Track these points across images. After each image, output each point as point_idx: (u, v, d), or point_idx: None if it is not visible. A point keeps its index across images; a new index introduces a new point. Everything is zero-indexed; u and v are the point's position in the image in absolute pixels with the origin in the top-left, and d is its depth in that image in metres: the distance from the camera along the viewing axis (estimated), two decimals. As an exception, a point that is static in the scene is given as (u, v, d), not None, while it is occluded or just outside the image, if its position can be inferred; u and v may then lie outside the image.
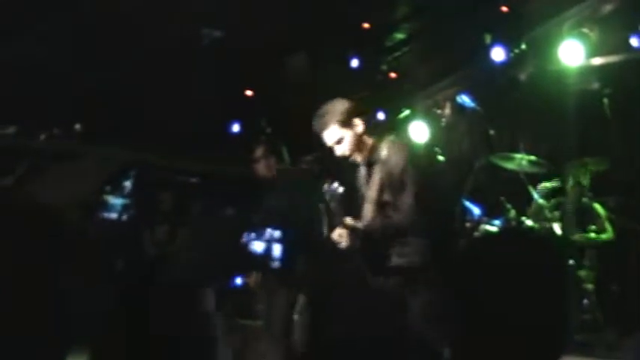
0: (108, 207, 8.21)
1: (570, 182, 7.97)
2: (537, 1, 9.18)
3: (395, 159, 5.59)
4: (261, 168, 8.19)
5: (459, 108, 9.84)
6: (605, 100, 8.17)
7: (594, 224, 7.79)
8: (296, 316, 7.48)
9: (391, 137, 5.88)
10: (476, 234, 7.85)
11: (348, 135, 5.80)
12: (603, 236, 7.71)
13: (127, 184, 8.36)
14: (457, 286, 2.38)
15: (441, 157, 8.82)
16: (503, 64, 9.41)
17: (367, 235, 5.73)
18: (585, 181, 7.87)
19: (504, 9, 9.24)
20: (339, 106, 5.86)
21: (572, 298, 7.15)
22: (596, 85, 8.49)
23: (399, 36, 10.67)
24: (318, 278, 7.06)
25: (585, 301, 7.45)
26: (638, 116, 8.36)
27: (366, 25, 10.29)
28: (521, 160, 8.20)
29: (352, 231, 5.68)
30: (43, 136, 7.81)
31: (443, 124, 10.05)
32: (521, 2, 9.24)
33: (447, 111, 10.00)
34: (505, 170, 8.44)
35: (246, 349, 8.06)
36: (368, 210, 5.73)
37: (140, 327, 2.26)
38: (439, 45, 10.33)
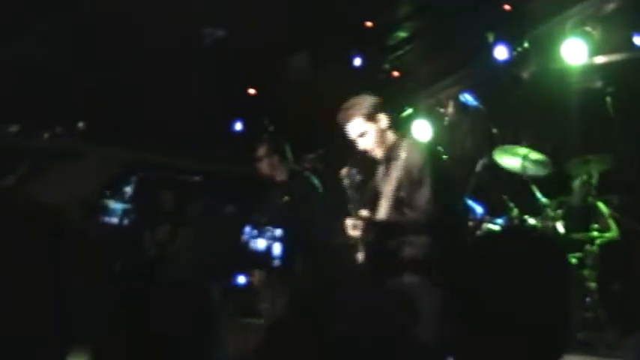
0: (108, 211, 8.21)
1: (577, 181, 7.96)
2: (540, -1, 9.19)
3: (414, 157, 5.61)
4: (264, 167, 8.19)
5: (462, 106, 9.84)
6: (608, 99, 8.15)
7: (597, 223, 7.78)
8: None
9: (412, 136, 5.91)
10: (478, 233, 7.84)
11: (371, 129, 5.84)
12: (606, 235, 7.69)
13: (127, 189, 8.36)
14: (459, 285, 2.38)
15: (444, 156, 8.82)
16: (506, 62, 9.41)
17: (381, 229, 5.73)
18: (593, 179, 7.86)
19: (507, 7, 9.24)
20: (366, 100, 5.91)
21: (574, 296, 7.13)
22: (598, 84, 8.47)
23: (402, 34, 10.67)
24: (320, 277, 7.07)
25: (587, 299, 7.44)
26: (641, 115, 8.35)
27: (368, 24, 10.28)
28: (523, 159, 8.18)
29: (366, 223, 5.67)
30: (45, 135, 7.81)
31: (445, 122, 10.05)
32: (524, 0, 9.24)
33: (450, 109, 10.00)
34: (507, 169, 8.43)
35: (249, 349, 8.06)
36: (383, 206, 5.73)
37: (141, 327, 2.26)
38: (442, 43, 10.33)
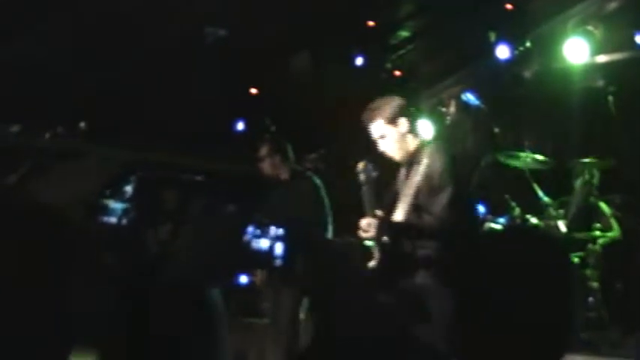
0: (110, 211, 8.21)
1: (579, 180, 7.96)
2: (542, -2, 9.20)
3: (436, 163, 5.60)
4: (266, 166, 8.19)
5: (464, 106, 9.83)
6: (610, 98, 8.16)
7: (599, 222, 7.78)
8: (302, 315, 7.49)
9: (435, 141, 5.89)
10: (481, 232, 7.84)
11: (391, 132, 5.83)
12: (609, 234, 7.70)
13: (129, 185, 8.35)
14: (463, 285, 2.38)
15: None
16: (507, 61, 9.42)
17: (397, 230, 5.73)
18: (593, 180, 7.86)
19: (509, 6, 9.24)
20: (389, 102, 5.91)
21: (577, 296, 7.14)
22: (600, 83, 8.48)
23: (404, 34, 10.67)
24: (322, 278, 7.08)
25: (590, 299, 7.44)
26: (643, 114, 8.36)
27: (370, 23, 10.28)
28: (525, 158, 8.19)
29: (382, 223, 5.66)
30: (47, 135, 7.80)
31: (447, 122, 10.04)
32: (525, 0, 9.24)
33: (452, 109, 9.98)
34: (510, 168, 8.44)
35: (251, 348, 8.07)
36: (401, 209, 5.73)
37: (142, 328, 2.26)
38: (444, 43, 10.34)
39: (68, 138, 8.28)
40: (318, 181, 8.12)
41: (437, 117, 10.06)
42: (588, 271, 7.56)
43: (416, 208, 5.64)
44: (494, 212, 8.19)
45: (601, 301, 7.45)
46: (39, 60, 9.14)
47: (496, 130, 9.03)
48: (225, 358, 2.47)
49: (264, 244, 7.59)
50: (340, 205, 8.20)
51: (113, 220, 8.30)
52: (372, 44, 10.71)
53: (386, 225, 5.66)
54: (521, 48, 9.28)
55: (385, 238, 5.67)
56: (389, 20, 10.44)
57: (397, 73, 10.93)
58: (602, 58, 8.60)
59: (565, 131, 9.04)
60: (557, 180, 8.36)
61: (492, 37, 9.49)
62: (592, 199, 7.84)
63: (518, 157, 8.28)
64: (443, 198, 5.52)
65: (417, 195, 5.60)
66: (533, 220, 8.00)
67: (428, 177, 5.58)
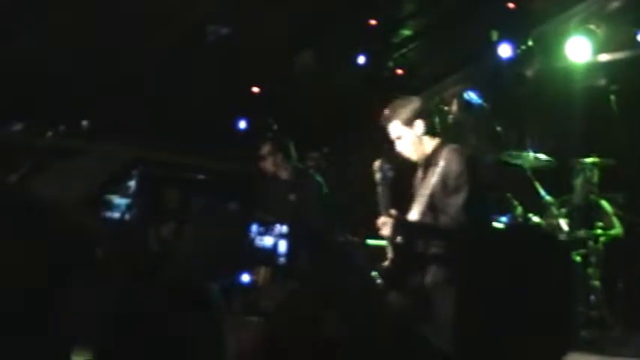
0: (112, 209, 8.21)
1: (579, 179, 7.97)
2: (544, -3, 9.20)
3: (453, 166, 5.61)
4: (268, 165, 8.19)
5: (466, 105, 9.83)
6: (612, 97, 8.16)
7: (601, 221, 7.78)
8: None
9: (453, 144, 5.89)
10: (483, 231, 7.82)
11: (407, 134, 5.84)
12: (610, 233, 7.70)
13: (131, 184, 8.36)
14: (466, 284, 2.38)
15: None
16: (510, 60, 9.41)
17: (411, 231, 5.74)
18: (594, 178, 7.87)
19: (511, 5, 9.24)
20: (407, 104, 5.92)
21: (578, 295, 7.14)
22: (602, 82, 8.48)
23: (406, 33, 10.67)
24: (325, 277, 7.08)
25: (592, 297, 7.45)
26: (645, 113, 8.35)
27: (372, 22, 10.28)
28: (527, 157, 8.20)
29: (397, 222, 5.67)
30: (49, 134, 7.82)
31: (449, 120, 10.04)
32: (528, -1, 9.26)
33: (454, 108, 9.99)
34: (512, 167, 8.43)
35: (253, 347, 8.07)
36: (416, 210, 5.74)
37: (142, 326, 2.26)
38: (446, 42, 10.34)
39: (70, 136, 8.30)
40: (320, 180, 8.12)
41: (439, 116, 10.07)
42: (590, 270, 7.57)
43: (431, 208, 5.66)
44: (496, 211, 8.18)
45: (603, 300, 7.46)
46: (41, 58, 9.15)
47: (498, 128, 9.02)
48: (224, 356, 2.48)
49: (266, 242, 7.60)
50: (343, 204, 8.21)
51: (115, 217, 8.30)
52: (374, 43, 10.70)
53: (401, 225, 5.66)
54: (524, 47, 9.28)
55: (399, 239, 5.68)
56: (391, 19, 10.44)
57: (399, 71, 10.93)
58: (604, 57, 8.60)
59: (567, 130, 9.04)
60: (559, 179, 8.36)
61: (494, 36, 9.49)
62: (593, 197, 7.85)
63: (520, 156, 8.28)
64: (458, 199, 5.53)
65: (432, 196, 5.62)
66: (536, 219, 8.00)
67: (444, 178, 5.59)
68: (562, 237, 7.68)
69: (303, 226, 7.67)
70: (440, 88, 10.33)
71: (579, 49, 8.52)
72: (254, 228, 7.75)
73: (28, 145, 7.76)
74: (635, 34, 8.41)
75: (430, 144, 5.86)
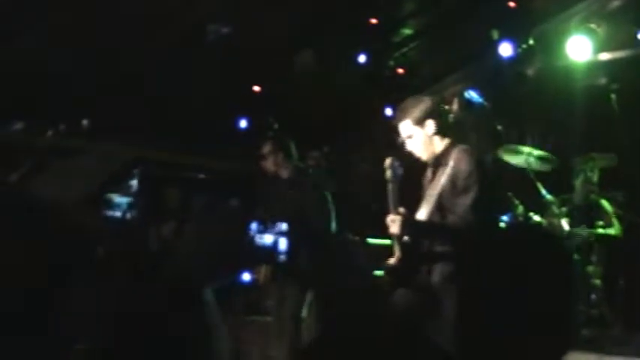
0: (113, 206, 8.21)
1: (579, 178, 7.97)
2: (545, -4, 9.20)
3: (462, 166, 5.62)
4: (269, 164, 8.20)
5: (467, 103, 9.83)
6: (613, 96, 8.16)
7: (602, 220, 7.79)
8: (304, 313, 7.50)
9: (463, 144, 5.89)
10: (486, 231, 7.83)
11: (418, 133, 5.85)
12: (611, 232, 7.71)
13: (132, 183, 8.37)
14: (467, 284, 2.39)
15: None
16: (510, 59, 9.42)
17: (419, 230, 5.75)
18: (594, 177, 7.87)
19: (512, 4, 9.24)
20: (418, 103, 5.92)
21: (579, 293, 7.15)
22: (603, 81, 8.48)
23: (407, 32, 10.68)
24: (325, 276, 7.09)
25: (593, 296, 7.45)
26: (645, 112, 8.36)
27: (373, 21, 10.29)
28: (528, 156, 8.20)
29: (405, 220, 5.67)
30: (49, 133, 7.82)
31: (450, 120, 10.04)
32: (528, -2, 9.26)
33: (455, 106, 9.99)
34: (512, 166, 8.44)
35: (254, 346, 8.08)
36: (425, 209, 5.75)
37: (137, 327, 2.26)
38: (447, 41, 10.34)
39: (71, 136, 8.31)
40: (320, 179, 8.13)
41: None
42: (590, 269, 7.57)
43: (440, 208, 5.66)
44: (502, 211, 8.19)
45: (603, 299, 7.46)
46: (41, 58, 9.15)
47: (499, 127, 9.03)
48: (214, 356, 2.48)
49: (266, 240, 7.60)
50: (342, 203, 8.22)
51: (116, 216, 8.31)
52: (374, 42, 10.71)
53: (409, 223, 5.67)
54: (524, 46, 9.29)
55: (406, 238, 5.69)
56: (392, 18, 10.44)
57: (400, 71, 10.94)
58: (604, 56, 8.61)
59: (568, 129, 9.05)
60: (559, 178, 8.36)
61: (495, 35, 9.49)
62: (593, 196, 7.85)
63: (520, 155, 8.28)
64: (467, 199, 5.54)
65: (441, 195, 5.63)
66: (536, 218, 8.01)
67: (453, 178, 5.60)
68: (563, 236, 7.69)
69: (304, 225, 7.67)
70: (441, 87, 10.34)
71: (580, 48, 8.52)
72: (255, 227, 7.76)
73: (28, 145, 7.76)
74: (636, 33, 8.41)
75: (440, 144, 5.86)
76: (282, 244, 7.57)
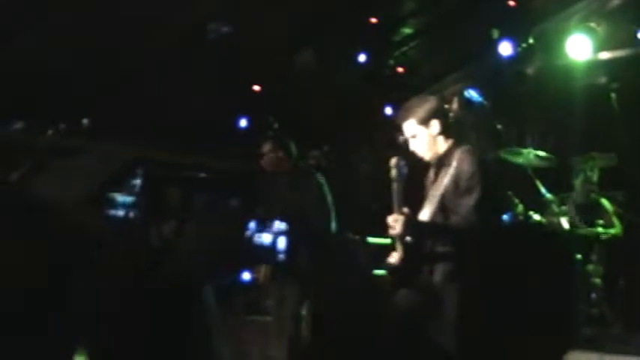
0: (116, 205, 8.20)
1: (579, 177, 7.97)
2: (544, -5, 9.20)
3: (465, 166, 5.61)
4: (269, 163, 8.20)
5: (467, 103, 9.82)
6: (613, 95, 8.16)
7: (602, 219, 7.79)
8: (304, 312, 7.49)
9: (465, 145, 5.89)
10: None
11: (422, 133, 5.84)
12: (611, 231, 7.71)
13: (135, 182, 8.36)
14: (467, 284, 2.40)
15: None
16: (510, 58, 9.42)
17: (422, 230, 5.74)
18: (594, 176, 7.88)
19: (512, 3, 9.24)
20: (423, 103, 5.92)
21: (580, 293, 7.15)
22: (603, 80, 8.49)
23: (407, 31, 10.68)
24: (325, 275, 7.09)
25: (593, 295, 7.46)
26: (645, 111, 8.36)
27: (373, 20, 10.29)
28: (528, 155, 8.20)
29: (408, 221, 5.66)
30: (49, 132, 7.81)
31: (450, 119, 10.03)
32: (528, -3, 9.26)
33: (455, 106, 9.97)
34: (512, 165, 8.44)
35: (254, 346, 8.08)
36: (428, 210, 5.75)
37: (136, 326, 2.26)
38: (447, 40, 10.34)
39: (71, 135, 8.30)
40: (320, 178, 8.13)
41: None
42: (590, 268, 7.57)
43: (442, 209, 5.66)
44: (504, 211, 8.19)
45: (603, 298, 7.47)
46: (41, 58, 9.15)
47: (499, 126, 9.03)
48: (212, 355, 2.48)
49: (267, 239, 7.61)
50: (342, 203, 8.22)
51: (118, 215, 8.31)
52: (374, 41, 10.71)
53: (412, 223, 5.66)
54: (524, 45, 9.28)
55: (408, 238, 5.69)
56: (392, 17, 10.44)
57: (400, 70, 10.94)
58: (604, 55, 8.61)
59: (568, 128, 9.05)
60: (559, 177, 8.37)
61: (495, 34, 9.49)
62: (594, 195, 7.85)
63: (521, 154, 8.29)
64: (470, 200, 5.53)
65: (444, 196, 5.63)
66: (536, 217, 8.01)
67: (456, 179, 5.59)
68: (563, 235, 7.69)
69: (304, 225, 7.68)
70: (440, 87, 10.34)
71: (580, 47, 8.52)
72: (254, 226, 7.76)
73: (28, 145, 7.76)
74: (636, 32, 8.41)
75: (444, 145, 5.86)
76: (282, 243, 7.58)
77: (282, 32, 9.97)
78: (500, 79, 9.71)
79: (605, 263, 7.64)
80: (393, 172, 5.81)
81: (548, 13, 9.13)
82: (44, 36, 8.99)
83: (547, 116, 9.40)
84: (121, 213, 8.08)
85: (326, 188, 8.01)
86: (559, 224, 7.86)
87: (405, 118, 5.91)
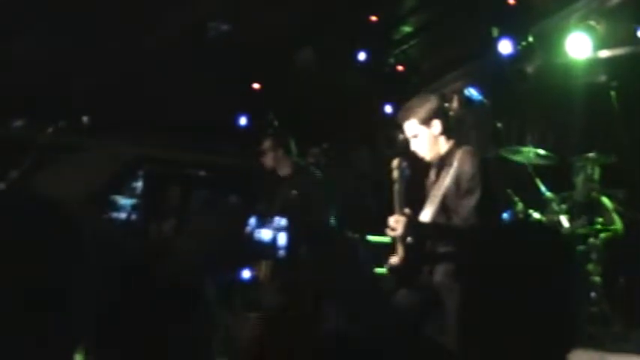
0: (118, 207, 8.22)
1: (579, 176, 7.97)
2: (544, -7, 9.20)
3: (466, 167, 5.61)
4: (269, 161, 8.21)
5: (467, 101, 9.82)
6: (613, 93, 8.15)
7: (602, 217, 7.79)
8: (304, 311, 7.49)
9: (466, 146, 5.88)
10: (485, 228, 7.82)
11: (423, 133, 5.83)
12: (611, 229, 7.71)
13: (137, 184, 8.37)
14: (468, 283, 2.39)
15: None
16: (510, 57, 9.41)
17: (423, 231, 5.74)
18: (595, 174, 7.87)
19: (511, 1, 9.24)
20: (424, 103, 5.90)
21: (582, 291, 7.15)
22: (603, 78, 8.48)
23: (407, 29, 10.68)
24: (325, 271, 7.09)
25: (593, 293, 7.45)
26: (645, 109, 8.36)
27: (373, 18, 10.29)
28: (528, 153, 8.20)
29: (409, 222, 5.66)
30: (49, 130, 7.82)
31: (450, 117, 10.03)
32: (528, -5, 9.26)
33: (455, 104, 9.98)
34: (512, 163, 8.44)
35: (254, 344, 8.08)
36: (429, 210, 5.75)
37: (135, 325, 2.26)
38: (446, 38, 10.34)
39: (71, 133, 8.31)
40: (320, 176, 8.14)
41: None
42: (590, 266, 7.57)
43: (444, 209, 5.66)
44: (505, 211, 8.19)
45: (603, 296, 7.47)
46: (42, 54, 9.15)
47: (499, 125, 9.03)
48: (212, 356, 2.47)
49: (267, 238, 7.61)
50: (341, 200, 8.22)
51: (117, 214, 8.31)
52: (374, 39, 10.71)
53: (413, 224, 5.66)
54: (524, 43, 9.27)
55: (409, 239, 5.69)
56: (392, 15, 10.44)
57: (400, 68, 10.94)
58: (604, 54, 8.60)
59: (567, 126, 9.05)
60: (559, 175, 8.36)
61: (495, 32, 9.49)
62: (594, 194, 7.85)
63: (520, 152, 8.29)
64: (471, 201, 5.53)
65: (445, 197, 5.62)
66: (536, 215, 8.01)
67: (457, 180, 5.59)
68: (563, 233, 7.68)
69: (304, 222, 7.68)
70: (440, 85, 10.34)
71: (580, 46, 8.51)
72: (255, 224, 7.76)
73: (28, 142, 7.76)
74: (636, 30, 8.40)
75: (445, 145, 5.85)
76: (281, 241, 7.58)
77: (282, 30, 9.97)
78: (500, 78, 9.70)
79: (605, 262, 7.64)
80: (395, 174, 5.81)
81: (548, 11, 9.12)
82: (44, 36, 8.99)
83: (547, 114, 9.40)
84: (123, 215, 8.09)
85: (325, 186, 8.02)
86: (559, 223, 7.85)
87: (406, 118, 5.90)
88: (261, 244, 7.67)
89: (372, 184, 10.39)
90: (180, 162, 10.27)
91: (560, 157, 8.33)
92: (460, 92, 9.70)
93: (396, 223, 5.64)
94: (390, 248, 5.82)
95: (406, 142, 5.96)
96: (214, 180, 10.44)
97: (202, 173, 10.27)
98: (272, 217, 7.70)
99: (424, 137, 5.83)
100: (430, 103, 5.89)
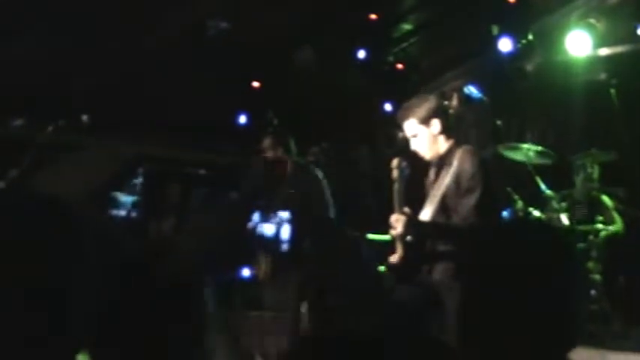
0: (118, 204, 8.22)
1: (579, 174, 7.97)
2: (545, -9, 9.20)
3: (466, 166, 5.61)
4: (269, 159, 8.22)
5: (466, 99, 9.83)
6: (613, 91, 8.15)
7: (602, 215, 7.79)
8: (304, 309, 7.49)
9: (466, 145, 5.88)
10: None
11: (423, 132, 5.83)
12: (611, 227, 7.70)
13: (137, 182, 8.37)
14: (468, 282, 2.39)
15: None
16: (510, 54, 9.41)
17: (423, 230, 5.75)
18: (595, 173, 7.87)
19: (511, 0, 9.25)
20: (424, 102, 5.90)
21: (583, 290, 7.15)
22: (603, 76, 8.48)
23: (406, 27, 10.68)
24: (328, 267, 7.09)
25: (593, 291, 7.45)
26: (645, 107, 8.36)
27: (373, 17, 10.29)
28: (528, 151, 8.20)
29: (409, 221, 5.66)
30: (49, 128, 7.82)
31: (450, 115, 10.03)
32: (528, -7, 9.26)
33: (454, 102, 9.99)
34: (512, 161, 8.44)
35: (254, 342, 8.08)
36: (429, 210, 5.75)
37: (134, 325, 2.25)
38: (446, 36, 10.34)
39: (71, 131, 8.31)
40: (320, 174, 8.14)
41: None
42: (590, 264, 7.57)
43: (444, 208, 5.66)
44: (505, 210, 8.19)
45: (603, 294, 7.47)
46: (42, 54, 9.15)
47: (498, 123, 9.03)
48: (218, 353, 2.47)
49: (267, 237, 7.62)
50: (342, 199, 8.22)
51: (117, 212, 8.31)
52: (374, 37, 10.71)
53: (413, 223, 5.66)
54: (524, 41, 9.28)
55: (409, 238, 5.69)
56: (391, 13, 10.44)
57: (399, 66, 10.94)
58: (604, 51, 8.60)
59: (567, 124, 9.05)
60: (559, 173, 8.36)
61: (495, 30, 9.49)
62: (594, 192, 7.85)
63: (520, 150, 8.28)
64: (471, 200, 5.53)
65: (445, 196, 5.63)
66: (536, 213, 8.01)
67: (457, 179, 5.60)
68: (563, 231, 7.68)
69: (304, 221, 7.68)
70: (440, 83, 10.35)
71: (579, 43, 8.51)
72: (254, 223, 7.77)
73: (28, 141, 7.76)
74: (636, 28, 8.40)
75: (444, 144, 5.85)
76: (282, 240, 7.59)
77: (282, 29, 9.97)
78: (500, 76, 9.71)
79: (605, 260, 7.64)
80: (395, 173, 5.81)
81: (548, 9, 9.13)
82: (44, 36, 8.99)
83: (547, 112, 9.40)
84: (123, 212, 8.09)
85: (325, 184, 8.02)
86: (559, 221, 7.85)
87: (405, 118, 5.90)
88: (262, 238, 7.68)
89: (372, 183, 10.40)
90: (180, 160, 10.27)
91: (560, 154, 8.32)
92: (460, 90, 9.73)
93: (396, 221, 5.64)
94: (389, 246, 5.83)
95: (406, 141, 5.95)
96: (214, 178, 10.44)
97: (202, 172, 10.28)
98: (272, 215, 7.71)
99: (424, 136, 5.83)
100: (429, 103, 5.89)
